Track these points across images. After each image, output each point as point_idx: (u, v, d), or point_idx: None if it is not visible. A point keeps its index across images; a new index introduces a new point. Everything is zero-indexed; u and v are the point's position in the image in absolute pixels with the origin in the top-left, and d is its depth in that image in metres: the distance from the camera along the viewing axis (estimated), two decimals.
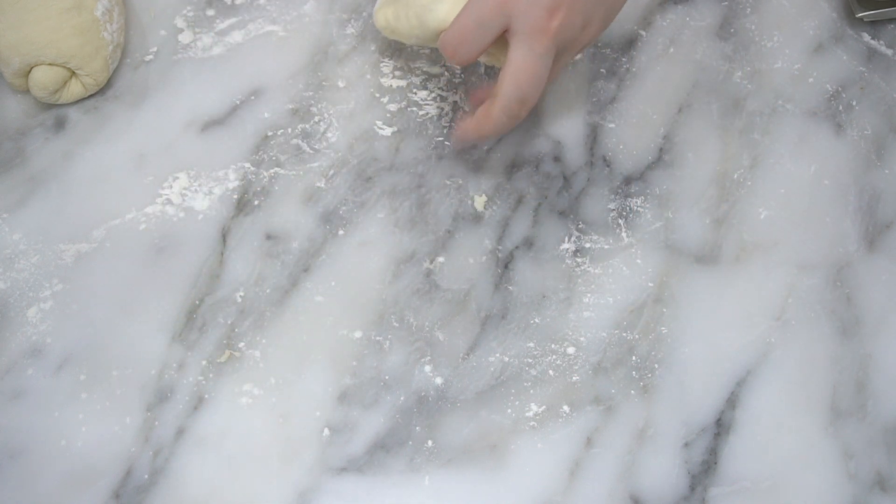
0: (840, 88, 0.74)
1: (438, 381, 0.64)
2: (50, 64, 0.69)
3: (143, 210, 0.69)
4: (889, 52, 0.76)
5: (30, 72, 0.69)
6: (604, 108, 0.73)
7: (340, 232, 0.69)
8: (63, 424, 0.62)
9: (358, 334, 0.66)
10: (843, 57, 0.75)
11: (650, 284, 0.67)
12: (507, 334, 0.66)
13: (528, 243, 0.69)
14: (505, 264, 0.68)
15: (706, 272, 0.68)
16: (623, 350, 0.65)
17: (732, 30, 0.76)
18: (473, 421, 0.63)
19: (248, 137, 0.71)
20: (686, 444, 0.63)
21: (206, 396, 0.64)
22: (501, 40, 0.61)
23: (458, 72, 0.74)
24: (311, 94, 0.73)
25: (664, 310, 0.67)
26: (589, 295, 0.67)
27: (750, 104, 0.73)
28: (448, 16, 0.62)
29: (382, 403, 0.64)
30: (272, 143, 0.71)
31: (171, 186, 0.69)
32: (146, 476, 0.62)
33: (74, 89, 0.71)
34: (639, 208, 0.70)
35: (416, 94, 0.73)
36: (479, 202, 0.70)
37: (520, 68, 0.59)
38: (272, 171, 0.70)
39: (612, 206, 0.70)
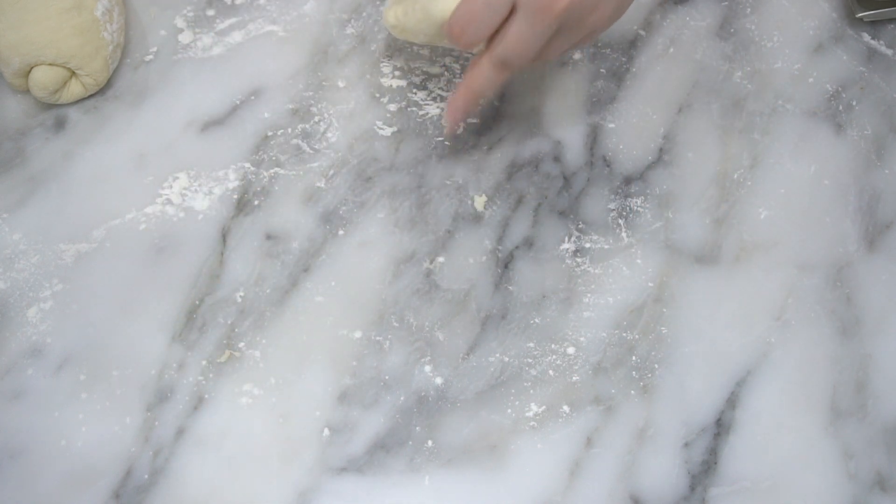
0: (840, 88, 0.74)
1: (438, 381, 0.64)
2: (50, 64, 0.69)
3: (143, 210, 0.69)
4: (889, 52, 0.76)
5: (30, 72, 0.69)
6: (604, 108, 0.73)
7: (340, 232, 0.69)
8: (63, 424, 0.62)
9: (358, 334, 0.66)
10: (843, 57, 0.75)
11: (650, 284, 0.67)
12: (507, 334, 0.66)
13: (528, 243, 0.69)
14: (505, 264, 0.68)
15: (706, 272, 0.68)
16: (623, 350, 0.65)
17: (732, 30, 0.76)
18: (473, 421, 0.63)
19: (248, 137, 0.71)
20: (686, 444, 0.63)
21: (206, 396, 0.64)
22: None
23: (458, 72, 0.74)
24: (311, 94, 0.73)
25: (664, 310, 0.67)
26: (589, 295, 0.67)
27: (750, 104, 0.73)
28: (453, 5, 0.62)
29: (382, 403, 0.64)
30: (272, 143, 0.71)
31: (171, 186, 0.69)
32: (146, 476, 0.62)
33: (74, 89, 0.71)
34: (639, 208, 0.70)
35: (416, 94, 0.73)
36: (479, 202, 0.70)
37: (514, 38, 0.58)
38: (272, 171, 0.70)
39: (612, 206, 0.70)
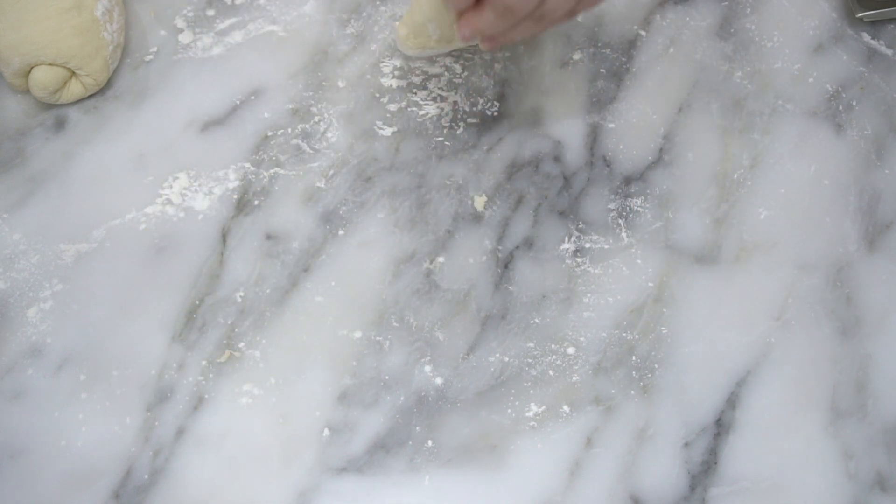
0: (840, 88, 0.74)
1: (438, 381, 0.64)
2: (50, 64, 0.69)
3: (143, 210, 0.69)
4: (889, 52, 0.76)
5: (30, 72, 0.69)
6: (604, 108, 0.73)
7: (340, 232, 0.69)
8: (63, 424, 0.62)
9: (358, 334, 0.66)
10: (843, 57, 0.75)
11: (650, 284, 0.67)
12: (507, 334, 0.66)
13: (528, 243, 0.69)
14: (505, 264, 0.68)
15: (706, 272, 0.68)
16: (623, 350, 0.65)
17: (732, 30, 0.76)
18: (473, 421, 0.63)
19: (248, 137, 0.71)
20: (686, 444, 0.63)
21: (206, 396, 0.64)
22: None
23: (459, 72, 0.74)
24: (311, 94, 0.73)
25: (664, 310, 0.67)
26: (589, 295, 0.67)
27: (750, 104, 0.73)
28: None
29: (382, 403, 0.64)
30: (272, 143, 0.71)
31: (171, 186, 0.69)
32: (146, 476, 0.62)
33: (74, 89, 0.71)
34: (639, 208, 0.70)
35: (416, 94, 0.73)
36: (479, 202, 0.70)
37: None
38: (272, 171, 0.70)
39: (612, 206, 0.70)
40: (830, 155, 0.72)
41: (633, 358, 0.65)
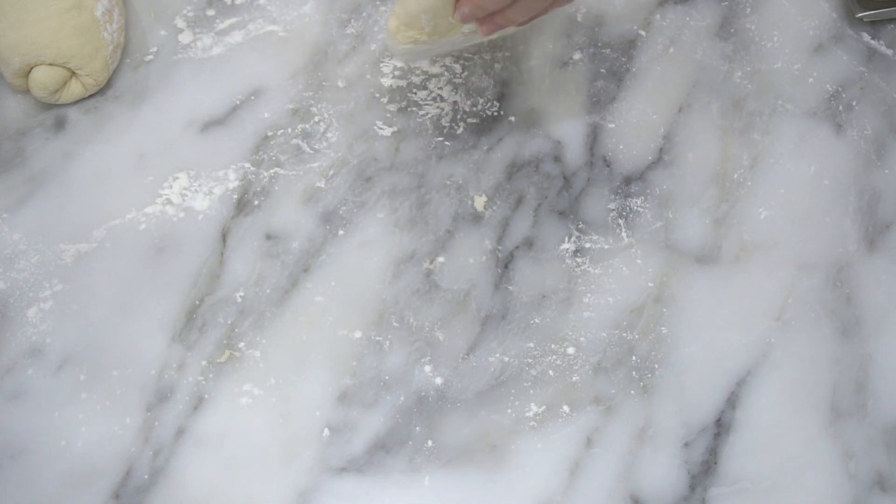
0: (840, 88, 0.74)
1: (438, 381, 0.64)
2: (50, 64, 0.69)
3: (143, 210, 0.69)
4: (889, 52, 0.76)
5: (30, 72, 0.69)
6: (604, 108, 0.73)
7: (340, 232, 0.69)
8: (63, 424, 0.62)
9: (358, 334, 0.66)
10: (843, 57, 0.75)
11: (650, 284, 0.67)
12: (507, 334, 0.66)
13: (528, 243, 0.69)
14: (505, 264, 0.68)
15: (706, 272, 0.68)
16: (623, 350, 0.65)
17: (732, 30, 0.76)
18: (473, 421, 0.63)
19: (248, 137, 0.71)
20: (686, 444, 0.63)
21: (206, 396, 0.64)
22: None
23: (459, 72, 0.74)
24: (311, 94, 0.73)
25: (664, 310, 0.67)
26: (589, 295, 0.67)
27: (750, 104, 0.73)
28: None
29: (382, 403, 0.64)
30: (272, 143, 0.71)
31: (171, 186, 0.69)
32: (146, 476, 0.62)
33: (74, 89, 0.71)
34: (639, 208, 0.70)
35: (416, 94, 0.73)
36: (479, 202, 0.70)
37: None
38: (272, 171, 0.70)
39: (612, 206, 0.70)
40: (830, 155, 0.72)
41: (633, 358, 0.65)
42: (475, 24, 0.62)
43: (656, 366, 0.65)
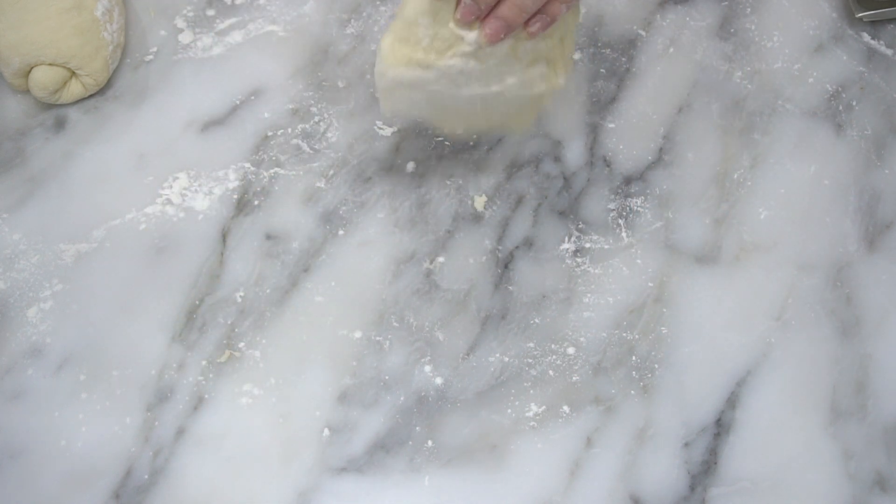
0: (840, 88, 0.74)
1: (438, 381, 0.64)
2: (50, 64, 0.69)
3: (143, 210, 0.69)
4: (889, 52, 0.76)
5: (30, 72, 0.69)
6: (604, 108, 0.73)
7: (340, 232, 0.69)
8: (63, 424, 0.62)
9: (358, 334, 0.66)
10: (843, 57, 0.75)
11: (650, 284, 0.67)
12: (507, 334, 0.66)
13: (528, 243, 0.69)
14: (505, 264, 0.68)
15: (706, 272, 0.68)
16: (623, 350, 0.65)
17: (732, 30, 0.76)
18: (473, 421, 0.63)
19: (248, 137, 0.71)
20: (686, 444, 0.63)
21: (206, 396, 0.64)
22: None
23: None
24: (311, 94, 0.73)
25: (664, 310, 0.67)
26: (589, 295, 0.67)
27: (750, 104, 0.73)
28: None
29: (382, 403, 0.64)
30: (272, 143, 0.71)
31: (171, 186, 0.69)
32: (146, 476, 0.62)
33: (74, 89, 0.71)
34: (639, 208, 0.70)
35: None
36: (479, 202, 0.70)
37: None
38: (272, 171, 0.70)
39: (612, 206, 0.70)
40: (830, 155, 0.72)
41: (633, 358, 0.65)
42: (479, 33, 0.57)
43: (656, 366, 0.65)
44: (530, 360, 0.65)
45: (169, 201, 0.69)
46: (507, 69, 0.59)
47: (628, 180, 0.71)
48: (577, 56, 0.75)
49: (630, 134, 0.72)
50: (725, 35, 0.76)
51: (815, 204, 0.70)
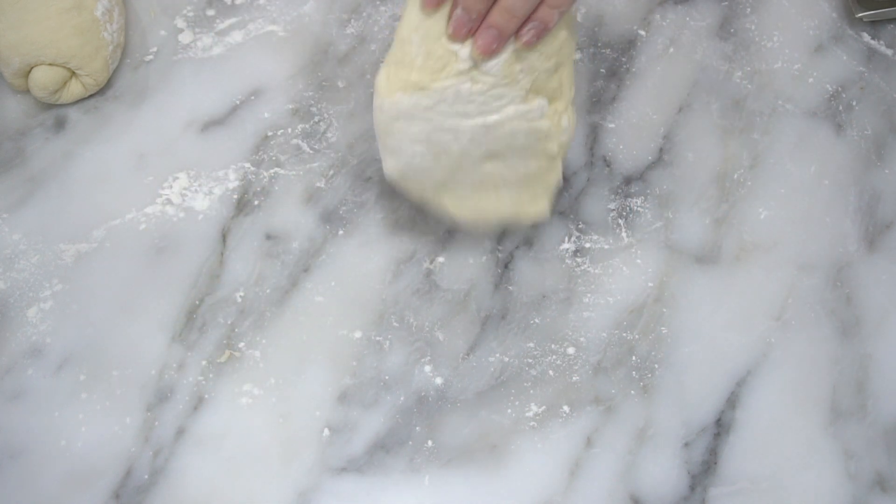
0: (840, 88, 0.74)
1: (438, 381, 0.64)
2: (50, 64, 0.69)
3: (143, 210, 0.69)
4: (889, 52, 0.76)
5: (30, 72, 0.69)
6: (604, 108, 0.73)
7: (340, 232, 0.69)
8: (63, 424, 0.62)
9: (358, 334, 0.66)
10: (843, 57, 0.75)
11: (650, 284, 0.67)
12: (507, 334, 0.66)
13: (528, 243, 0.69)
14: (505, 264, 0.68)
15: (706, 272, 0.68)
16: (623, 350, 0.65)
17: (732, 30, 0.76)
18: (473, 421, 0.63)
19: (248, 137, 0.71)
20: (686, 444, 0.63)
21: (206, 396, 0.64)
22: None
23: None
24: (311, 94, 0.73)
25: (664, 310, 0.67)
26: (589, 295, 0.67)
27: (750, 104, 0.73)
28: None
29: (382, 403, 0.64)
30: (272, 143, 0.71)
31: (171, 186, 0.69)
32: (146, 476, 0.62)
33: (74, 89, 0.71)
34: (639, 208, 0.70)
35: None
36: None
37: None
38: (272, 171, 0.70)
39: (612, 206, 0.70)
40: (830, 155, 0.72)
41: (633, 358, 0.65)
42: (472, 48, 0.56)
43: (656, 366, 0.65)
44: (530, 360, 0.65)
45: (169, 201, 0.69)
46: (505, 93, 0.58)
47: (628, 180, 0.71)
48: (577, 56, 0.75)
49: (630, 134, 0.72)
50: (725, 35, 0.76)
51: (815, 204, 0.70)
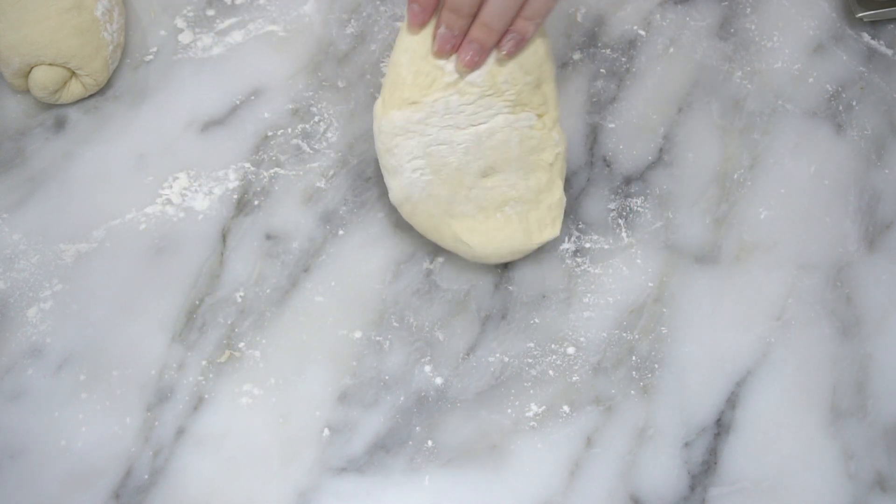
0: (840, 88, 0.74)
1: (438, 381, 0.64)
2: (50, 64, 0.69)
3: (143, 210, 0.69)
4: (889, 52, 0.76)
5: (30, 72, 0.69)
6: (604, 108, 0.73)
7: (340, 232, 0.69)
8: (63, 424, 0.62)
9: (358, 334, 0.66)
10: (843, 57, 0.75)
11: (650, 284, 0.67)
12: (507, 334, 0.66)
13: None
14: (505, 264, 0.68)
15: (706, 272, 0.68)
16: (623, 350, 0.65)
17: (732, 30, 0.76)
18: (473, 421, 0.63)
19: (248, 137, 0.71)
20: (686, 444, 0.63)
21: (206, 396, 0.64)
22: None
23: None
24: (311, 94, 0.73)
25: (664, 310, 0.67)
26: (589, 295, 0.67)
27: (750, 104, 0.73)
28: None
29: (382, 403, 0.64)
30: (272, 143, 0.71)
31: (171, 186, 0.69)
32: (146, 476, 0.62)
33: (74, 89, 0.71)
34: (639, 208, 0.70)
35: None
36: None
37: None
38: (272, 171, 0.70)
39: (612, 206, 0.70)
40: (830, 155, 0.72)
41: (633, 358, 0.65)
42: (457, 62, 0.59)
43: (656, 366, 0.65)
44: (530, 360, 0.65)
45: (169, 201, 0.69)
46: (493, 103, 0.61)
47: (628, 180, 0.71)
48: (577, 56, 0.75)
49: (630, 134, 0.72)
50: (725, 35, 0.76)
51: (815, 204, 0.70)
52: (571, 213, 0.69)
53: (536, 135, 0.63)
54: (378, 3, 0.76)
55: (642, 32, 0.76)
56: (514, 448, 0.63)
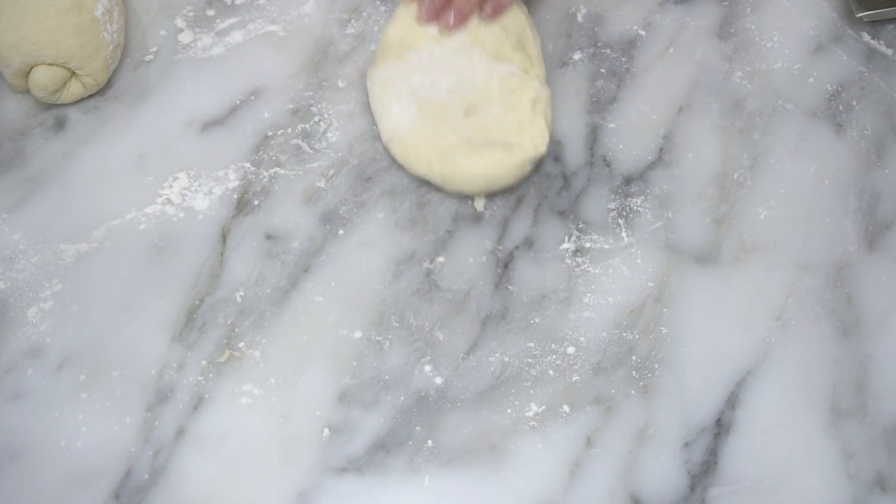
0: (840, 88, 0.74)
1: (438, 381, 0.64)
2: (50, 64, 0.69)
3: (143, 210, 0.69)
4: (889, 52, 0.76)
5: (30, 72, 0.69)
6: (604, 108, 0.73)
7: (340, 232, 0.69)
8: (63, 424, 0.63)
9: (358, 334, 0.66)
10: (843, 57, 0.75)
11: (650, 284, 0.67)
12: (507, 334, 0.66)
13: (528, 243, 0.69)
14: (505, 264, 0.68)
15: (706, 272, 0.68)
16: (623, 350, 0.65)
17: (732, 30, 0.76)
18: (473, 421, 0.63)
19: (248, 137, 0.71)
20: (686, 444, 0.63)
21: (206, 396, 0.64)
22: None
23: None
24: (311, 94, 0.73)
25: (664, 310, 0.67)
26: (589, 295, 0.67)
27: (750, 104, 0.73)
28: None
29: (382, 403, 0.64)
30: (272, 143, 0.71)
31: (171, 186, 0.69)
32: (146, 476, 0.62)
33: (74, 89, 0.71)
34: (639, 208, 0.70)
35: None
36: (479, 202, 0.70)
37: None
38: (272, 171, 0.70)
39: (612, 206, 0.70)
40: (830, 155, 0.72)
41: (633, 358, 0.65)
42: (441, 28, 0.68)
43: (656, 366, 0.65)
44: (530, 360, 0.65)
45: (169, 201, 0.69)
46: (474, 53, 0.68)
47: (628, 180, 0.71)
48: (577, 56, 0.75)
49: (630, 134, 0.72)
50: (725, 35, 0.76)
51: (815, 204, 0.70)
52: (571, 213, 0.69)
53: (517, 79, 0.68)
54: (378, 3, 0.76)
55: (642, 32, 0.76)
56: (514, 448, 0.63)
